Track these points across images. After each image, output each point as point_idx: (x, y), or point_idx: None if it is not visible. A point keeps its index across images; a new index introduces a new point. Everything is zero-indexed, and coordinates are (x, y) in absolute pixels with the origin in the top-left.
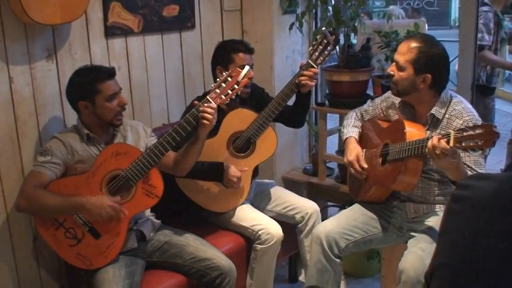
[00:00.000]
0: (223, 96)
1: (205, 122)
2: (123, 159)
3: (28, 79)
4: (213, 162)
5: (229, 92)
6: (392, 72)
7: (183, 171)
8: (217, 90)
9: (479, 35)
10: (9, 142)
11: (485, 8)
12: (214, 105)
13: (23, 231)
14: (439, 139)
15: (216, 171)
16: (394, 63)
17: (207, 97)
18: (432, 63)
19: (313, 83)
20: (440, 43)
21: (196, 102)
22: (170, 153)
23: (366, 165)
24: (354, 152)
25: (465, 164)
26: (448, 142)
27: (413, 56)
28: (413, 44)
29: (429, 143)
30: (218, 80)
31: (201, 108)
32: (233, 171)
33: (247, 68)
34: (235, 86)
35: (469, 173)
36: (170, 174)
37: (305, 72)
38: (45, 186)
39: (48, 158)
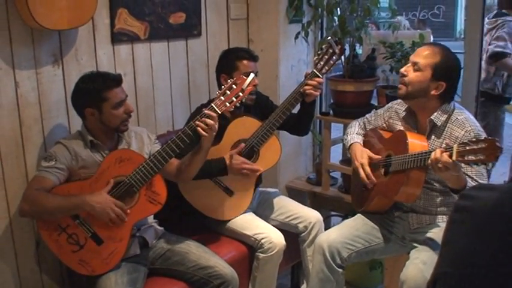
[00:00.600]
0: (227, 104)
1: (203, 133)
2: (126, 166)
3: (34, 84)
4: (215, 159)
5: (234, 99)
6: (405, 73)
7: (186, 179)
8: (222, 98)
9: (502, 43)
10: (14, 147)
11: (509, 18)
12: (214, 114)
13: (25, 236)
14: (442, 152)
15: (219, 167)
16: (409, 64)
17: (212, 104)
18: (450, 73)
19: (318, 93)
20: (458, 57)
21: (206, 111)
22: (174, 161)
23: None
24: (365, 154)
25: (467, 174)
26: (450, 156)
27: (435, 61)
28: (437, 50)
29: (432, 156)
30: (223, 87)
31: (197, 122)
32: (236, 159)
33: (252, 75)
34: (240, 94)
35: (470, 182)
36: (174, 181)
37: (309, 82)
38: (49, 191)
39: (52, 163)
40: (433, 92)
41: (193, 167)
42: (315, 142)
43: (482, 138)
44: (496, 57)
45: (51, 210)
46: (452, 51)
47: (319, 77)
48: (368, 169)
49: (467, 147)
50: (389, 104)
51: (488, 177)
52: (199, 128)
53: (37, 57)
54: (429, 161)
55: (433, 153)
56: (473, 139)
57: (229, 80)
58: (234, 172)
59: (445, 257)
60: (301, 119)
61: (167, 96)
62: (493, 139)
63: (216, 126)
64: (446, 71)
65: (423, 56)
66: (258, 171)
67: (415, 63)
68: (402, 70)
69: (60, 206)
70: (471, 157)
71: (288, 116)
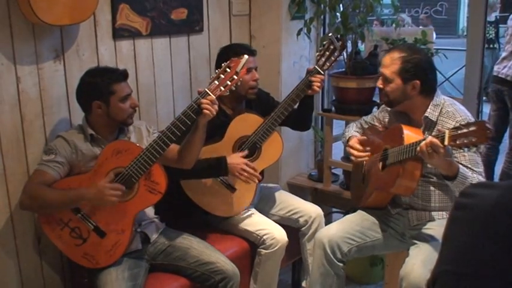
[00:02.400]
0: (222, 88)
1: (206, 112)
2: (124, 157)
3: (35, 79)
4: (216, 157)
5: (228, 83)
6: (381, 86)
7: (188, 164)
8: (216, 82)
9: None
10: (15, 142)
11: None
12: (212, 97)
13: (27, 230)
14: (432, 139)
15: (219, 167)
16: (381, 77)
17: (205, 89)
18: (418, 69)
19: (319, 90)
20: (422, 49)
21: (200, 90)
22: (174, 147)
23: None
24: (355, 138)
25: (461, 163)
26: (442, 140)
27: (398, 67)
28: (396, 55)
29: (422, 143)
30: (217, 71)
31: (199, 101)
32: (237, 161)
33: (246, 57)
34: (234, 77)
35: (465, 169)
36: (177, 170)
37: (313, 79)
38: (49, 185)
39: (52, 156)
40: (412, 93)
41: (193, 148)
42: (316, 139)
43: (472, 121)
44: None
45: (50, 204)
46: (446, 47)
47: (321, 73)
48: (358, 146)
49: (459, 131)
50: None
51: (490, 168)
52: (205, 105)
53: (38, 52)
54: (418, 148)
55: (423, 141)
56: (464, 123)
57: (222, 64)
58: (234, 173)
59: (446, 255)
60: (302, 112)
61: (169, 92)
62: (483, 121)
63: (216, 106)
64: (414, 71)
65: (386, 66)
66: (257, 178)
67: (383, 75)
68: (378, 84)
69: (58, 200)
70: (463, 140)
71: (289, 112)
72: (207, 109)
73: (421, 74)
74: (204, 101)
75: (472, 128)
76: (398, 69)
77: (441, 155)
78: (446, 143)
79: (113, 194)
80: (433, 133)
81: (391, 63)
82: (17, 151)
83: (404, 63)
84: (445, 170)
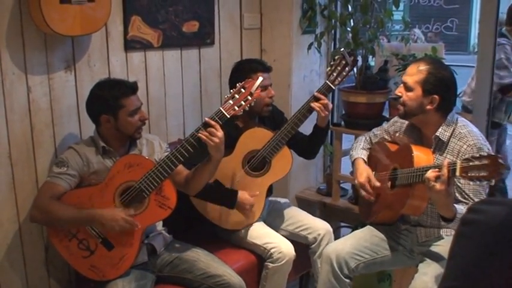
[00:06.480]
0: (236, 108)
1: (208, 141)
2: (136, 171)
3: (46, 89)
4: (228, 189)
5: (243, 103)
6: (400, 94)
7: (193, 191)
8: (231, 102)
9: (505, 73)
10: (25, 151)
11: (503, 41)
12: (213, 123)
13: (34, 241)
14: (438, 170)
15: (229, 199)
16: (402, 85)
17: (220, 108)
18: (441, 85)
19: (325, 114)
20: (449, 67)
21: (206, 119)
22: (183, 171)
23: (378, 184)
24: (365, 173)
25: (464, 191)
26: (454, 171)
27: (422, 77)
28: (422, 66)
29: (428, 174)
30: (231, 91)
31: (199, 134)
32: (246, 198)
33: (260, 78)
34: (249, 97)
35: (460, 209)
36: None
37: (317, 95)
38: (59, 198)
39: (64, 169)
40: (428, 107)
41: (201, 178)
42: (325, 153)
43: (485, 154)
44: (508, 89)
45: (62, 222)
46: (457, 64)
47: (325, 95)
48: (369, 188)
49: (471, 163)
50: (395, 118)
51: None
52: (202, 136)
53: (50, 62)
54: (425, 177)
55: (429, 171)
56: (477, 155)
57: (238, 84)
58: (239, 209)
59: (452, 271)
60: (311, 141)
61: (179, 104)
62: (496, 156)
63: (220, 133)
64: (436, 84)
65: (410, 75)
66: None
67: (405, 83)
68: (396, 92)
69: (71, 219)
70: (474, 173)
71: (300, 135)
72: (209, 140)
73: (442, 90)
74: (207, 121)
75: (484, 162)
76: (422, 80)
77: (447, 188)
78: (457, 174)
79: (126, 226)
80: (441, 158)
81: (416, 72)
82: (27, 160)
83: (429, 74)
84: (444, 210)
